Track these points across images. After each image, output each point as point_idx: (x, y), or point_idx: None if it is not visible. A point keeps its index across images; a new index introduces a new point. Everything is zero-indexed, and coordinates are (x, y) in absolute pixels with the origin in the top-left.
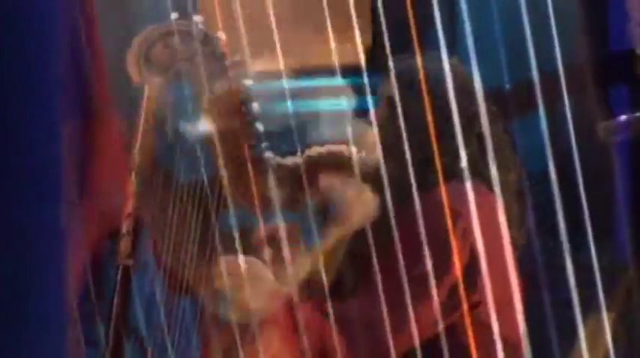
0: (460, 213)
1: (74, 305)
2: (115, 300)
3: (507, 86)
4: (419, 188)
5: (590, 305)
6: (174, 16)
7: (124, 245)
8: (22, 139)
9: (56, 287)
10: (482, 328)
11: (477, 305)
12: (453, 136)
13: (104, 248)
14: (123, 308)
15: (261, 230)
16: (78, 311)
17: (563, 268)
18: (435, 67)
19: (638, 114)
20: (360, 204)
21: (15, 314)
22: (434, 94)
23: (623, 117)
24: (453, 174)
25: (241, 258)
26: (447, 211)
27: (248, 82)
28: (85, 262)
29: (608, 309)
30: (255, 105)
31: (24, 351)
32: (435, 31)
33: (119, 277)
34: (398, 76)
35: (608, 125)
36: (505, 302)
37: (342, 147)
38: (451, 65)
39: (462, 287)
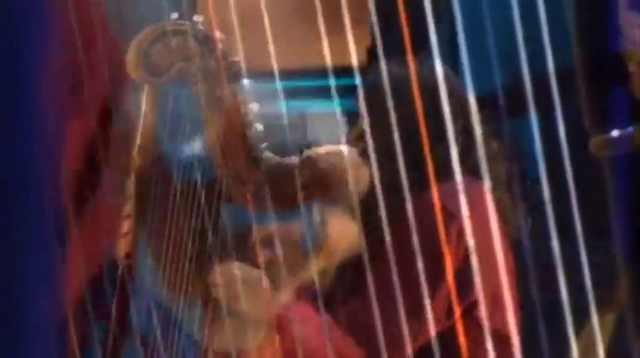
0: (454, 214)
1: (70, 308)
2: (115, 300)
3: (510, 86)
4: (411, 191)
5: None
6: (174, 16)
7: (124, 245)
8: (15, 140)
9: (48, 292)
10: (480, 329)
11: (474, 306)
12: (438, 135)
13: (103, 248)
14: (122, 309)
15: (256, 233)
16: (77, 312)
17: (562, 267)
18: (416, 68)
19: (630, 129)
20: (343, 236)
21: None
22: (411, 95)
23: (615, 133)
24: (443, 174)
25: (237, 266)
26: (440, 213)
27: (247, 82)
28: (84, 263)
29: (610, 309)
30: (255, 105)
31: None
32: (435, 34)
33: (119, 277)
34: (378, 87)
35: (601, 140)
36: (501, 302)
37: (341, 148)
38: (431, 65)
39: (458, 288)
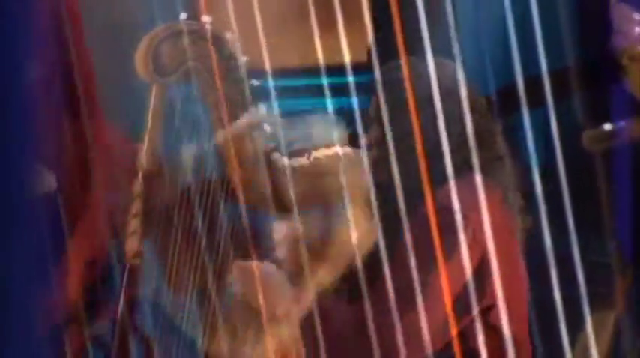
0: (466, 215)
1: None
2: (122, 300)
3: (511, 82)
4: (423, 194)
5: (592, 302)
6: (182, 16)
7: (131, 244)
8: (9, 138)
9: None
10: (493, 331)
11: (490, 309)
12: (446, 137)
13: (107, 247)
14: (129, 308)
15: (275, 231)
16: (83, 311)
17: (565, 264)
18: (420, 70)
19: (621, 123)
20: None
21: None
22: (421, 98)
23: (608, 126)
24: (453, 174)
25: (256, 264)
26: (451, 213)
27: (255, 82)
28: (88, 262)
29: (611, 307)
30: (262, 107)
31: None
32: (437, 32)
33: (125, 276)
34: (388, 84)
35: (593, 134)
36: (513, 303)
37: (349, 149)
38: (439, 65)
39: (472, 291)
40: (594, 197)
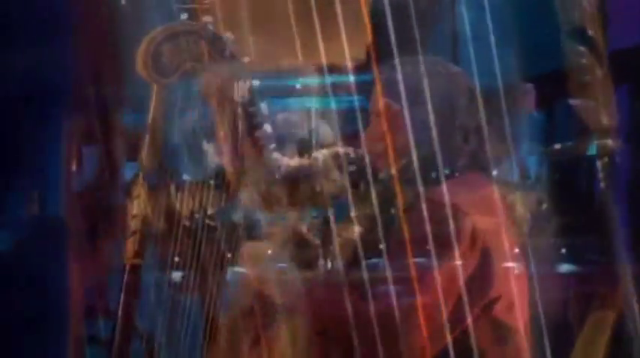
0: (466, 212)
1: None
2: (122, 299)
3: (507, 85)
4: (422, 189)
5: (592, 302)
6: (183, 16)
7: (132, 244)
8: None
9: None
10: (494, 326)
11: (495, 302)
12: (452, 135)
13: (109, 246)
14: (130, 307)
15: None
16: (82, 309)
17: (565, 264)
18: (427, 69)
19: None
20: None
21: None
22: (426, 96)
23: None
24: (455, 171)
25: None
26: (453, 211)
27: (256, 83)
28: (89, 260)
29: (610, 308)
30: (264, 106)
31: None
32: (434, 33)
33: (126, 276)
34: (392, 84)
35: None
36: (514, 299)
37: (348, 149)
38: (443, 65)
39: (475, 288)
40: (593, 197)
